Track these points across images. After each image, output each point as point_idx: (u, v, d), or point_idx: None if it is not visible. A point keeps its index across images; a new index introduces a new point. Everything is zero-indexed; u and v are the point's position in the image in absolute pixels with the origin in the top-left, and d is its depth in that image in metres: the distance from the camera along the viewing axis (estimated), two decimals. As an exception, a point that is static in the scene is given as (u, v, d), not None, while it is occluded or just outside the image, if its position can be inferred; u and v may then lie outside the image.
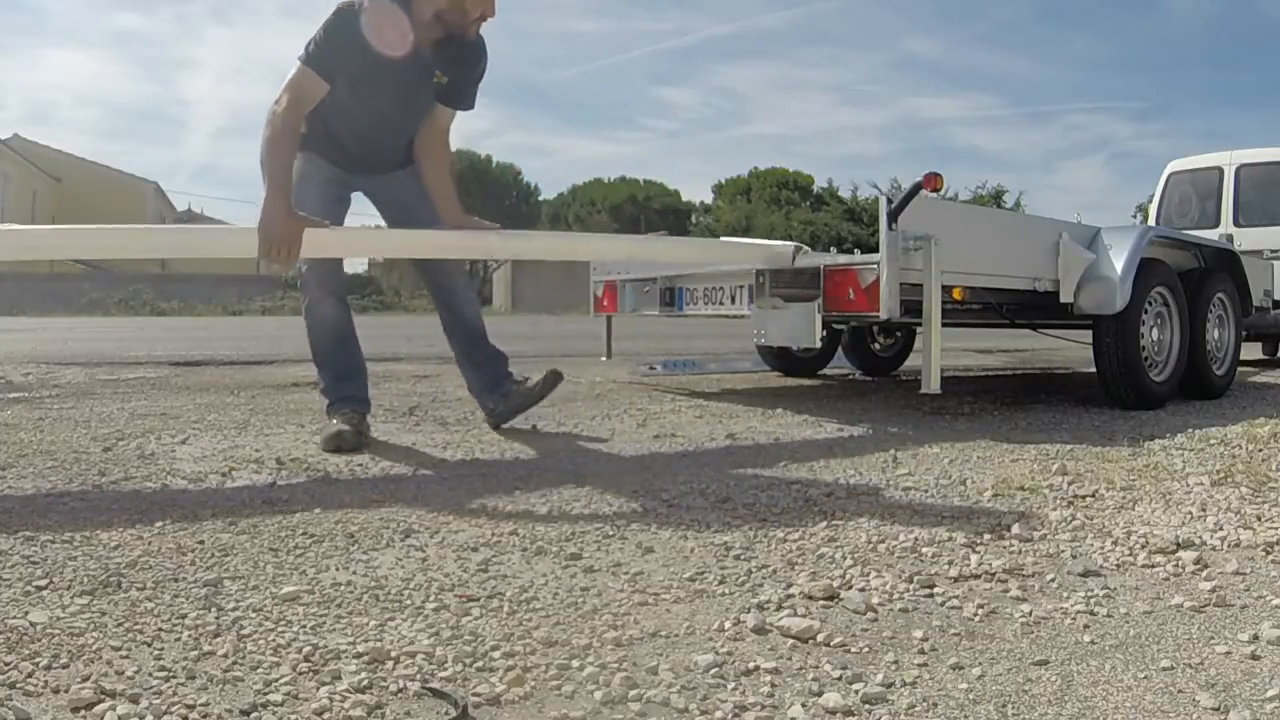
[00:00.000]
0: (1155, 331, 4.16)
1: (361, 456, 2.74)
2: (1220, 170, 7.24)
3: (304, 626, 1.35)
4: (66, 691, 1.12)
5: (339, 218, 3.02)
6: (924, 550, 1.79)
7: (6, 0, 63.05)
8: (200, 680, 1.16)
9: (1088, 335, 4.19)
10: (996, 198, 27.90)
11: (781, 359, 5.60)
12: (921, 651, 1.31)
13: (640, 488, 2.33)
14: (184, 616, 1.38)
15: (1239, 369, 5.16)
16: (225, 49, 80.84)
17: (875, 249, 3.28)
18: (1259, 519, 2.04)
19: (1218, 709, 1.14)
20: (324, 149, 2.94)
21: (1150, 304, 4.11)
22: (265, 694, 1.13)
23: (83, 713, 1.08)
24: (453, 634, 1.34)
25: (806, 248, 3.48)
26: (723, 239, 3.89)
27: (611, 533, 1.90)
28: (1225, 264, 4.89)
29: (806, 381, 5.42)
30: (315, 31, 2.68)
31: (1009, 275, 3.77)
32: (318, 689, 1.14)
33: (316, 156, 2.93)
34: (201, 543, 1.78)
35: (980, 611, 1.47)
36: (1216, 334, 4.72)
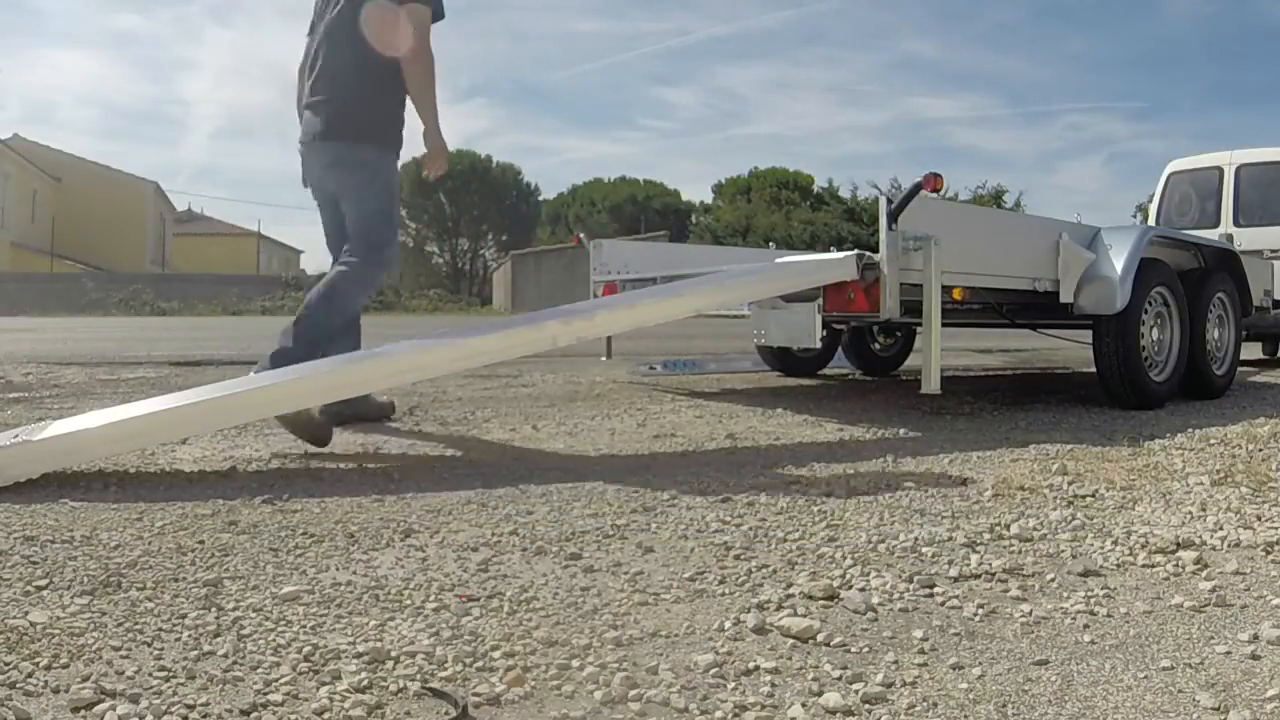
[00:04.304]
0: (1155, 331, 4.17)
1: (361, 456, 2.74)
2: (1220, 170, 7.24)
3: (304, 626, 1.35)
4: (66, 691, 1.12)
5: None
6: (924, 550, 1.79)
7: (6, 1, 63.01)
8: (200, 680, 1.16)
9: (1088, 335, 4.19)
10: (996, 198, 27.86)
11: (781, 359, 5.61)
12: (921, 651, 1.31)
13: (640, 488, 2.33)
14: (184, 616, 1.38)
15: (1239, 369, 5.17)
16: (224, 50, 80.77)
17: (875, 249, 3.28)
18: (1259, 519, 2.04)
19: (1218, 709, 1.14)
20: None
21: (1150, 304, 4.11)
22: (265, 694, 1.13)
23: (83, 713, 1.08)
24: (453, 634, 1.34)
25: (868, 254, 3.26)
26: (779, 260, 3.70)
27: (611, 533, 1.90)
28: (1225, 264, 4.89)
29: (806, 381, 5.42)
30: None
31: (1009, 275, 3.77)
32: (318, 689, 1.14)
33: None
34: (201, 543, 1.78)
35: (980, 611, 1.47)
36: (1216, 334, 4.72)
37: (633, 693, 1.16)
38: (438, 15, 3.15)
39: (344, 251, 3.19)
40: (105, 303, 23.28)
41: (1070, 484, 2.40)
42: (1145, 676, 1.24)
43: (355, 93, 3.15)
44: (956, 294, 3.52)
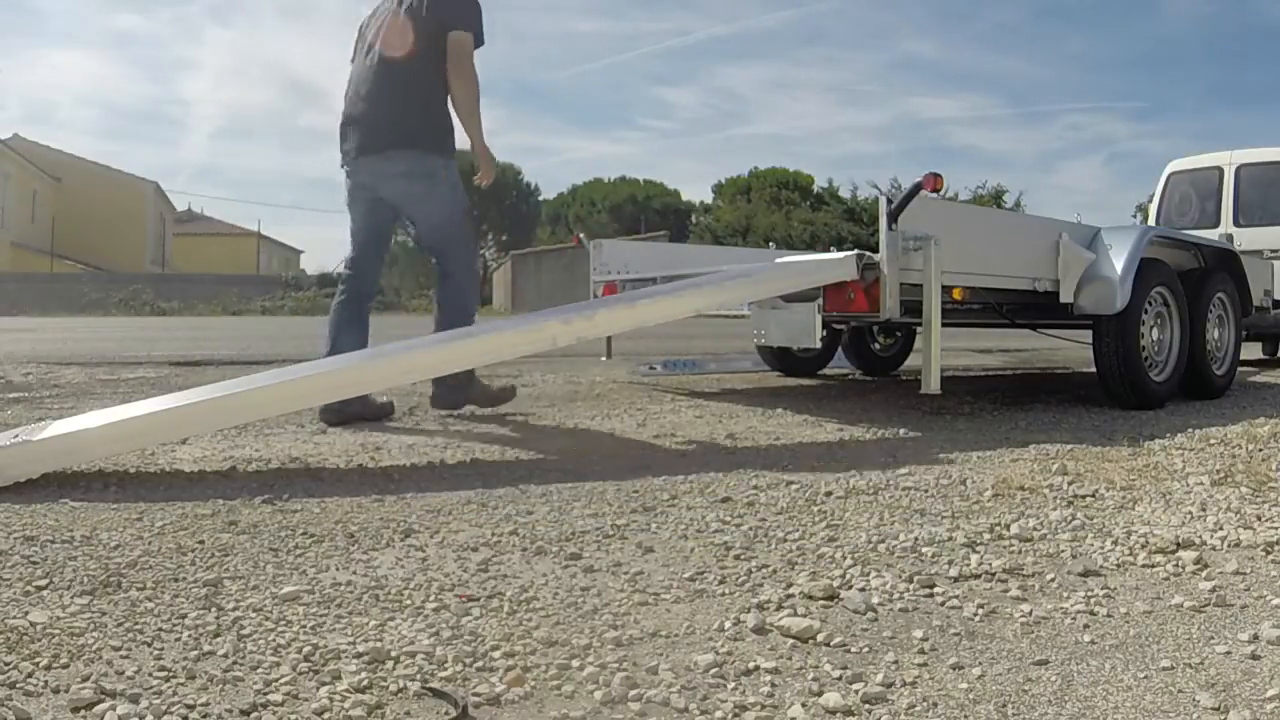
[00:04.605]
0: (1155, 331, 4.17)
1: (361, 456, 2.74)
2: (1220, 170, 7.24)
3: (304, 626, 1.35)
4: (66, 691, 1.12)
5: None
6: (924, 550, 1.79)
7: (6, 1, 62.99)
8: (200, 680, 1.16)
9: (1088, 335, 4.19)
10: (996, 198, 27.84)
11: (781, 359, 5.60)
12: (921, 651, 1.31)
13: (640, 488, 2.33)
14: (184, 616, 1.38)
15: (1239, 369, 5.17)
16: (224, 50, 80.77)
17: (875, 249, 3.28)
18: (1259, 519, 2.04)
19: (1218, 709, 1.14)
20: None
21: (1150, 304, 4.11)
22: (265, 694, 1.13)
23: (83, 713, 1.08)
24: (453, 634, 1.34)
25: (868, 254, 3.27)
26: (779, 260, 3.72)
27: (611, 533, 1.91)
28: (1225, 264, 4.89)
29: (806, 381, 5.42)
30: (448, 8, 3.34)
31: (1009, 275, 3.77)
32: (318, 689, 1.15)
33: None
34: (201, 543, 1.78)
35: (980, 611, 1.47)
36: (1216, 334, 4.72)
37: (633, 693, 1.16)
38: (479, 41, 3.45)
39: (439, 266, 3.56)
40: (105, 303, 23.28)
41: (1070, 484, 2.40)
42: (1145, 676, 1.24)
43: (418, 107, 3.42)
44: (956, 294, 3.52)
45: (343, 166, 3.57)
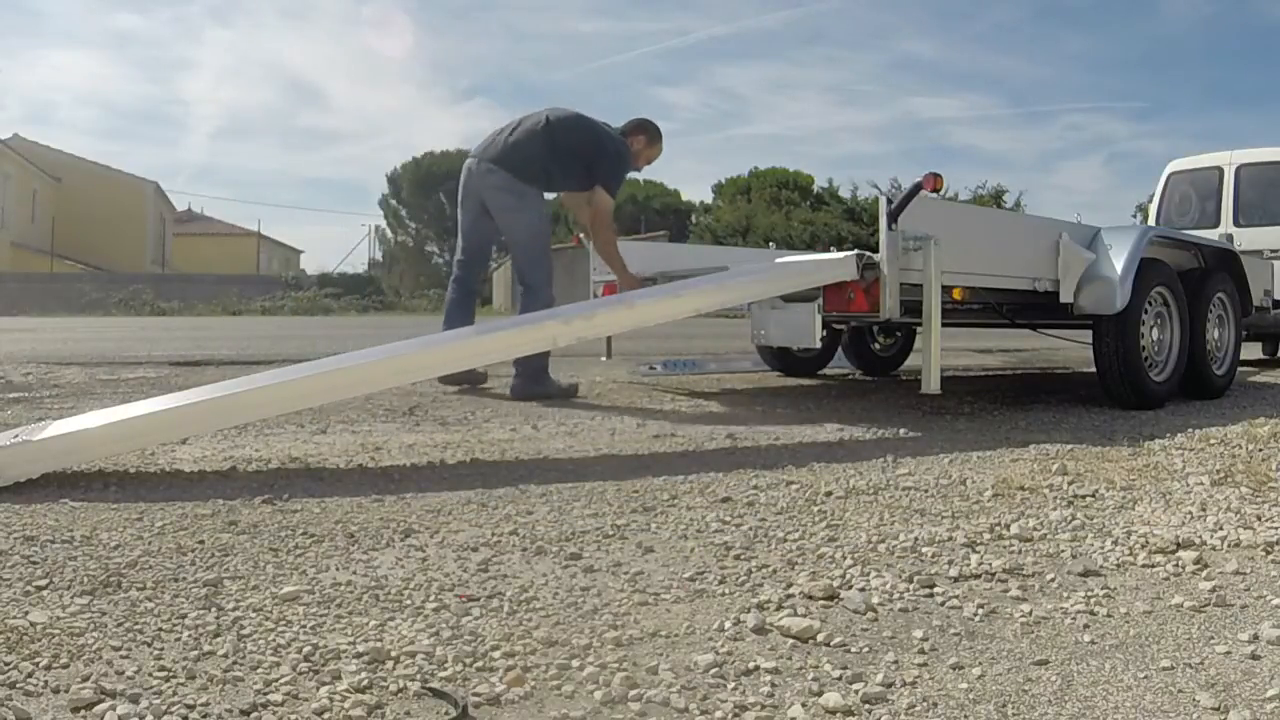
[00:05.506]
0: (1155, 331, 4.17)
1: (361, 456, 2.74)
2: (1220, 170, 7.24)
3: (304, 626, 1.35)
4: (66, 691, 1.12)
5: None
6: (924, 550, 1.79)
7: (6, 1, 62.87)
8: (200, 680, 1.16)
9: (1088, 335, 4.19)
10: (996, 198, 27.82)
11: (781, 359, 5.60)
12: (921, 651, 1.31)
13: (641, 487, 2.33)
14: (184, 616, 1.38)
15: (1239, 369, 5.17)
16: (224, 50, 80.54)
17: (875, 249, 3.28)
18: (1259, 519, 2.04)
19: (1218, 709, 1.14)
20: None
21: (1150, 304, 4.11)
22: (265, 694, 1.13)
23: (83, 713, 1.08)
24: (453, 634, 1.34)
25: (868, 254, 3.28)
26: (780, 259, 3.74)
27: (611, 533, 1.91)
28: (1225, 264, 4.90)
29: (806, 381, 5.42)
30: (606, 163, 4.22)
31: (1009, 275, 3.77)
32: (318, 689, 1.15)
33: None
34: (201, 543, 1.78)
35: (980, 611, 1.47)
36: (1216, 334, 4.72)
37: (633, 693, 1.16)
38: (615, 196, 4.34)
39: (523, 282, 4.32)
40: (105, 303, 23.26)
41: (1070, 484, 2.40)
42: (1145, 676, 1.24)
43: (539, 164, 4.24)
44: (956, 294, 3.52)
45: (473, 156, 4.38)
